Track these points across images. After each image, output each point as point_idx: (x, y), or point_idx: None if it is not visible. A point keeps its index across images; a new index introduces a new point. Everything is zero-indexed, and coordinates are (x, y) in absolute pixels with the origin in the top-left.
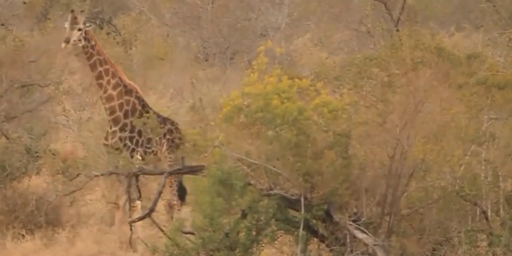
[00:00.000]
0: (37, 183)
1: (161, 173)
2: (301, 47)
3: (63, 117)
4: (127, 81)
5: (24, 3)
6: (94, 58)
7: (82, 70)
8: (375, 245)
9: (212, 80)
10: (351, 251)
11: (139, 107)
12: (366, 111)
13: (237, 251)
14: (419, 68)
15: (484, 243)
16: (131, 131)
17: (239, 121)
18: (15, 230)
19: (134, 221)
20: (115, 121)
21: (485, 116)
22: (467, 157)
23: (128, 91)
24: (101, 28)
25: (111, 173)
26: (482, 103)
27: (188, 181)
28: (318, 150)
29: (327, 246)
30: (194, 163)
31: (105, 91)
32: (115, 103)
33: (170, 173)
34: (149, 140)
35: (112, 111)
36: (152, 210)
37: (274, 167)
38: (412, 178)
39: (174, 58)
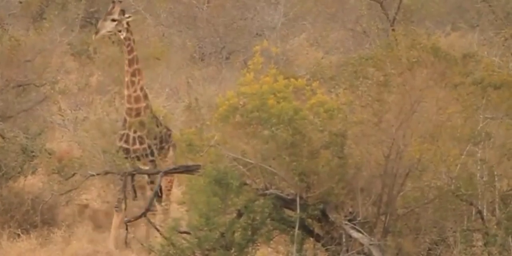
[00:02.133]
0: (32, 183)
1: (157, 173)
2: (297, 46)
3: (59, 117)
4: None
5: (20, 2)
6: (134, 53)
7: (78, 70)
8: (370, 244)
9: (208, 80)
10: (347, 250)
11: (153, 113)
12: (362, 110)
13: (232, 250)
14: (415, 67)
15: (480, 243)
16: (155, 138)
17: (235, 121)
18: (11, 229)
19: (130, 221)
20: (142, 126)
21: (481, 116)
22: (463, 157)
23: (146, 94)
24: None
25: (106, 173)
26: (478, 102)
27: (184, 180)
28: (314, 150)
29: (323, 245)
30: (190, 163)
31: (135, 90)
32: (142, 105)
33: (166, 173)
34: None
35: (138, 113)
36: (147, 209)
37: (270, 166)
38: (408, 178)
39: (169, 57)
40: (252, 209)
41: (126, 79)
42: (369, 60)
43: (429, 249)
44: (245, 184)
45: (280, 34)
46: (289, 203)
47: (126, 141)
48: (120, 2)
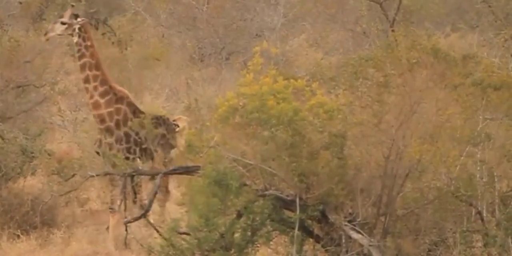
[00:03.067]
0: (32, 184)
1: (156, 174)
2: (296, 47)
3: (58, 118)
4: (118, 88)
5: (20, 3)
6: (85, 59)
7: (78, 70)
8: (370, 245)
9: (207, 81)
10: (347, 251)
11: (130, 115)
12: (362, 111)
13: (232, 251)
14: (414, 68)
15: (480, 244)
16: (127, 142)
17: (235, 122)
18: (11, 230)
19: (129, 222)
20: (109, 132)
21: (481, 117)
22: (462, 158)
23: (118, 99)
24: (97, 29)
25: (106, 174)
26: (478, 103)
27: (183, 181)
28: (314, 151)
29: (323, 246)
30: (189, 164)
31: (91, 97)
32: (104, 111)
33: (165, 174)
34: (145, 147)
35: (101, 120)
36: (147, 210)
37: (270, 167)
38: (407, 179)
39: (169, 58)
40: (251, 210)
41: (81, 85)
42: (369, 61)
43: (429, 250)
44: (245, 185)
45: (279, 35)
46: (288, 204)
47: (100, 146)
48: (73, 6)
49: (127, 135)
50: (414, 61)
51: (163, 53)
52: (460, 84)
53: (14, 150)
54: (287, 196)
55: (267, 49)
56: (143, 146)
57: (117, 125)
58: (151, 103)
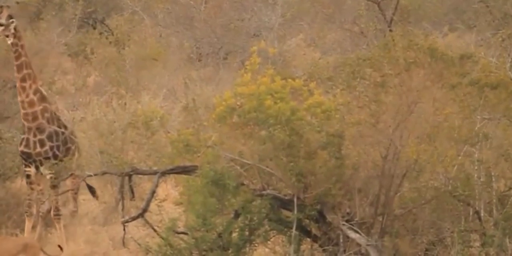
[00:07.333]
0: None
1: (154, 173)
2: (294, 47)
3: None
4: (39, 86)
5: (17, 3)
6: (22, 58)
7: (75, 70)
8: (368, 245)
9: (205, 80)
10: (344, 251)
11: (54, 114)
12: (359, 111)
13: (230, 251)
14: (412, 68)
15: (477, 244)
16: (57, 140)
17: (232, 121)
18: (8, 230)
19: (127, 221)
20: (40, 129)
21: (478, 117)
22: (460, 158)
23: (43, 97)
24: (94, 28)
25: (104, 173)
26: (475, 103)
27: (181, 181)
28: (311, 150)
29: (320, 246)
30: (187, 163)
31: (27, 95)
32: (37, 109)
33: (163, 173)
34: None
35: (34, 117)
36: (145, 210)
37: (267, 167)
38: (405, 179)
39: (167, 58)
40: (249, 210)
41: (17, 85)
42: (366, 61)
43: (427, 250)
44: (242, 184)
45: (277, 35)
46: (286, 204)
47: (27, 146)
48: (8, 7)
49: (56, 133)
50: (411, 61)
51: (161, 53)
52: (457, 84)
53: (11, 149)
54: (285, 195)
55: (264, 49)
56: (67, 146)
57: (48, 122)
58: (149, 103)
